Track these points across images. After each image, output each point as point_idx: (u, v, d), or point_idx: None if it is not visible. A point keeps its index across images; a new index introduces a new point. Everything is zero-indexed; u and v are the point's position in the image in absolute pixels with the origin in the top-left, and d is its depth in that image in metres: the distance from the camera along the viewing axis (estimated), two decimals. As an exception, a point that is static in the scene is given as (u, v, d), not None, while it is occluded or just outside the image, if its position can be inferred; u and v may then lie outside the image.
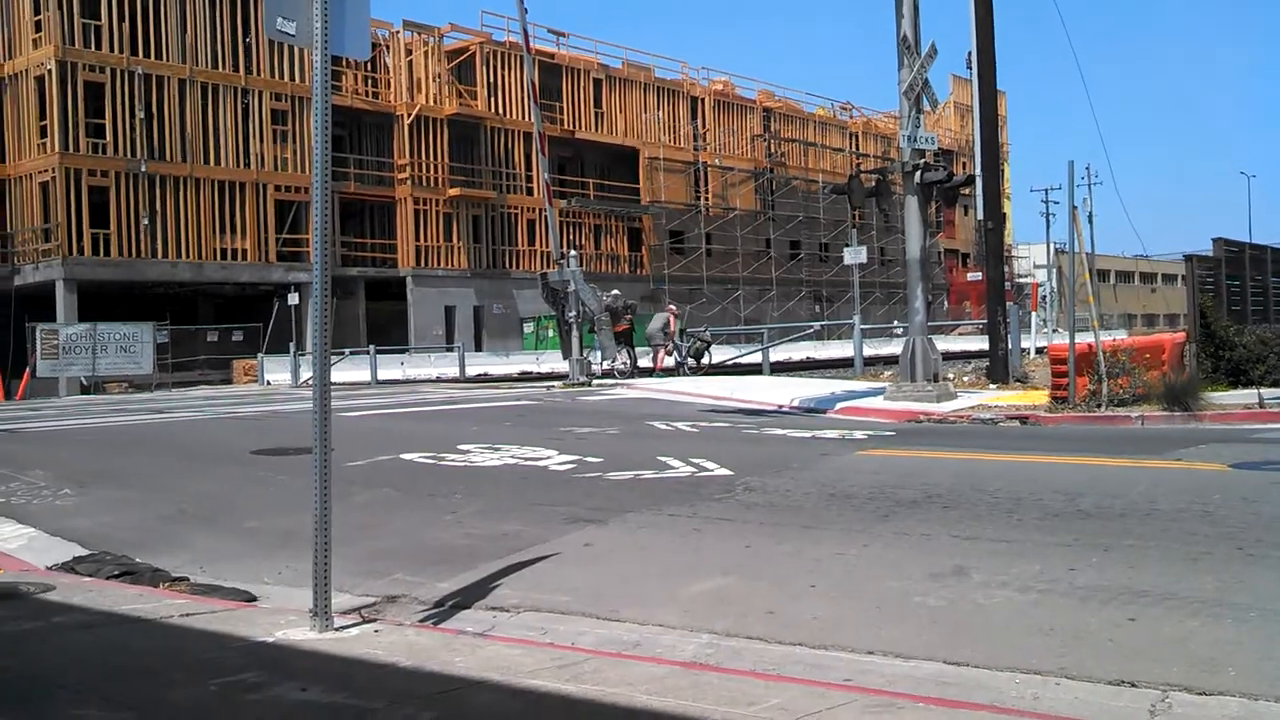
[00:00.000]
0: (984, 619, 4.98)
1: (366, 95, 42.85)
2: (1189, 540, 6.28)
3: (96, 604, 5.48)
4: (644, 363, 29.33)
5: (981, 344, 28.44)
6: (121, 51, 35.60)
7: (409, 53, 43.70)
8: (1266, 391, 14.46)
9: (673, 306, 31.17)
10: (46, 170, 35.02)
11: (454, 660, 4.40)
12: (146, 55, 36.14)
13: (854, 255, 29.60)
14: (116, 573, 6.32)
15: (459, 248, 44.36)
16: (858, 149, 63.71)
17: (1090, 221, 62.61)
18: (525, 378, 32.85)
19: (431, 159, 43.58)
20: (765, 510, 7.78)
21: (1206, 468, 9.35)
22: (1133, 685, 4.01)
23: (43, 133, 35.23)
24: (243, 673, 4.26)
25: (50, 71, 34.41)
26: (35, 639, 4.87)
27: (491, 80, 45.81)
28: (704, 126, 54.51)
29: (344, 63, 39.27)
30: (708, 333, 30.72)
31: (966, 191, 24.61)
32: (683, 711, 3.72)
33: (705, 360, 28.96)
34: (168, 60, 36.71)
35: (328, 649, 4.62)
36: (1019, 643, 4.60)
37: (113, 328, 33.88)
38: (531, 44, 28.67)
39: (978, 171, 21.64)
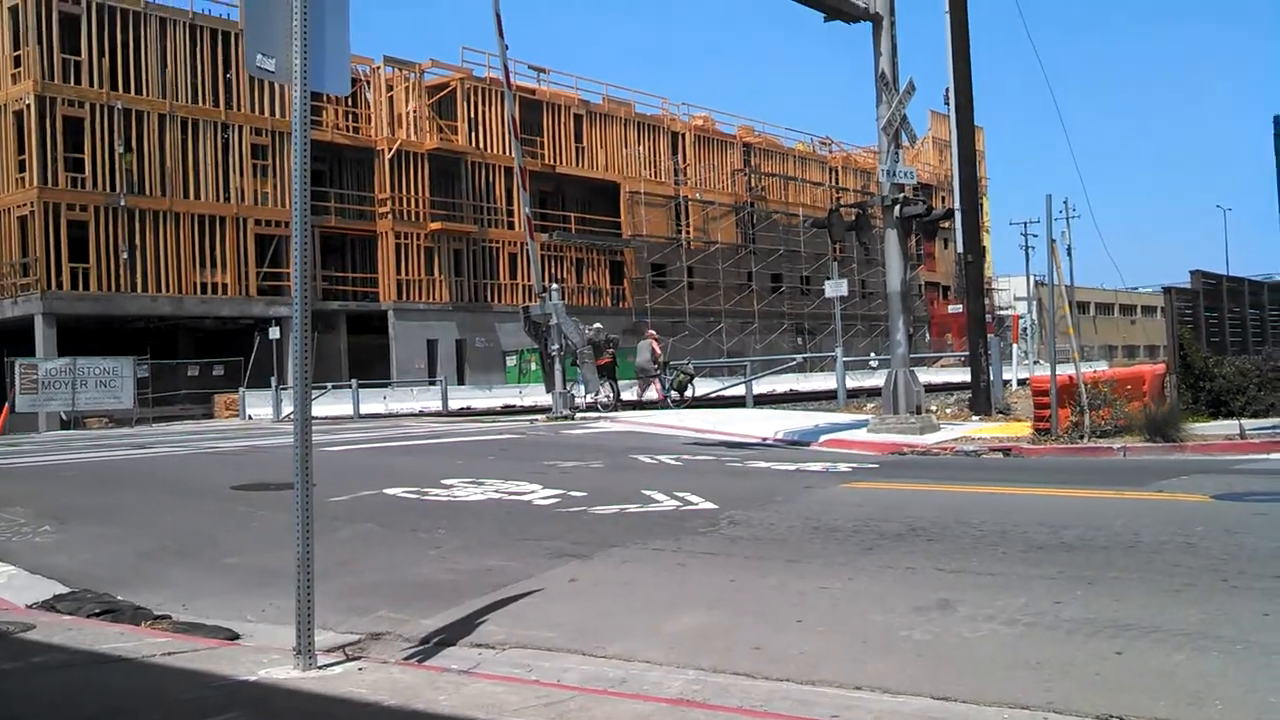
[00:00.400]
0: (970, 653, 4.97)
1: (347, 130, 42.96)
2: (1173, 572, 6.30)
3: (77, 643, 5.41)
4: (627, 395, 29.32)
5: (963, 376, 28.60)
6: (101, 86, 35.60)
7: (390, 88, 43.86)
8: (1247, 422, 14.55)
9: (652, 332, 31.17)
10: (25, 204, 34.90)
11: (438, 699, 4.37)
12: (126, 90, 36.16)
13: (835, 288, 29.72)
14: (97, 611, 6.25)
15: (440, 281, 44.37)
16: (838, 183, 64.19)
17: (1069, 254, 63.02)
18: (508, 411, 32.79)
19: (412, 193, 43.67)
20: (750, 544, 7.77)
21: (1189, 499, 9.38)
22: (1120, 719, 4.01)
23: (21, 167, 35.14)
24: (225, 712, 4.22)
25: (29, 106, 34.37)
26: (15, 679, 4.81)
27: (472, 115, 45.99)
28: (684, 161, 54.83)
29: (324, 98, 39.34)
30: (691, 365, 30.76)
31: (946, 225, 24.82)
32: (671, 749, 3.69)
33: (688, 393, 28.98)
34: (147, 95, 36.73)
35: (311, 688, 4.58)
36: (1005, 677, 4.59)
37: (92, 362, 33.64)
38: (512, 80, 28.81)
39: (957, 205, 21.80)
